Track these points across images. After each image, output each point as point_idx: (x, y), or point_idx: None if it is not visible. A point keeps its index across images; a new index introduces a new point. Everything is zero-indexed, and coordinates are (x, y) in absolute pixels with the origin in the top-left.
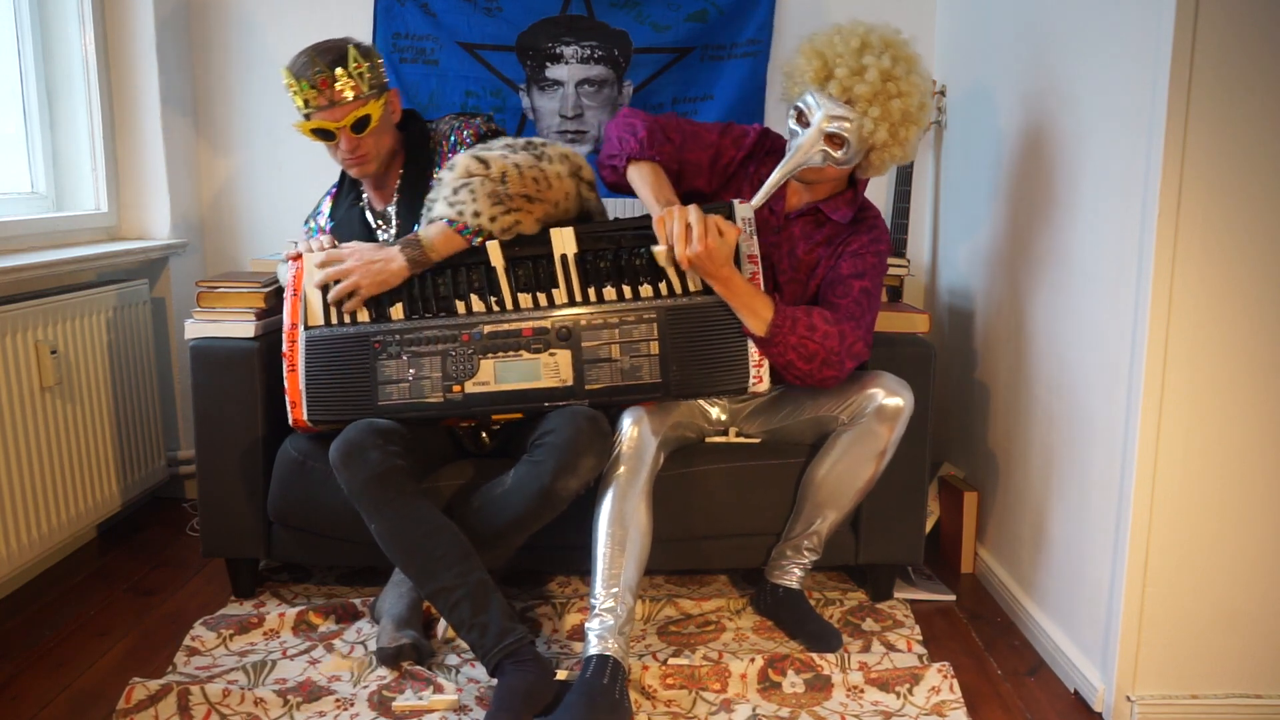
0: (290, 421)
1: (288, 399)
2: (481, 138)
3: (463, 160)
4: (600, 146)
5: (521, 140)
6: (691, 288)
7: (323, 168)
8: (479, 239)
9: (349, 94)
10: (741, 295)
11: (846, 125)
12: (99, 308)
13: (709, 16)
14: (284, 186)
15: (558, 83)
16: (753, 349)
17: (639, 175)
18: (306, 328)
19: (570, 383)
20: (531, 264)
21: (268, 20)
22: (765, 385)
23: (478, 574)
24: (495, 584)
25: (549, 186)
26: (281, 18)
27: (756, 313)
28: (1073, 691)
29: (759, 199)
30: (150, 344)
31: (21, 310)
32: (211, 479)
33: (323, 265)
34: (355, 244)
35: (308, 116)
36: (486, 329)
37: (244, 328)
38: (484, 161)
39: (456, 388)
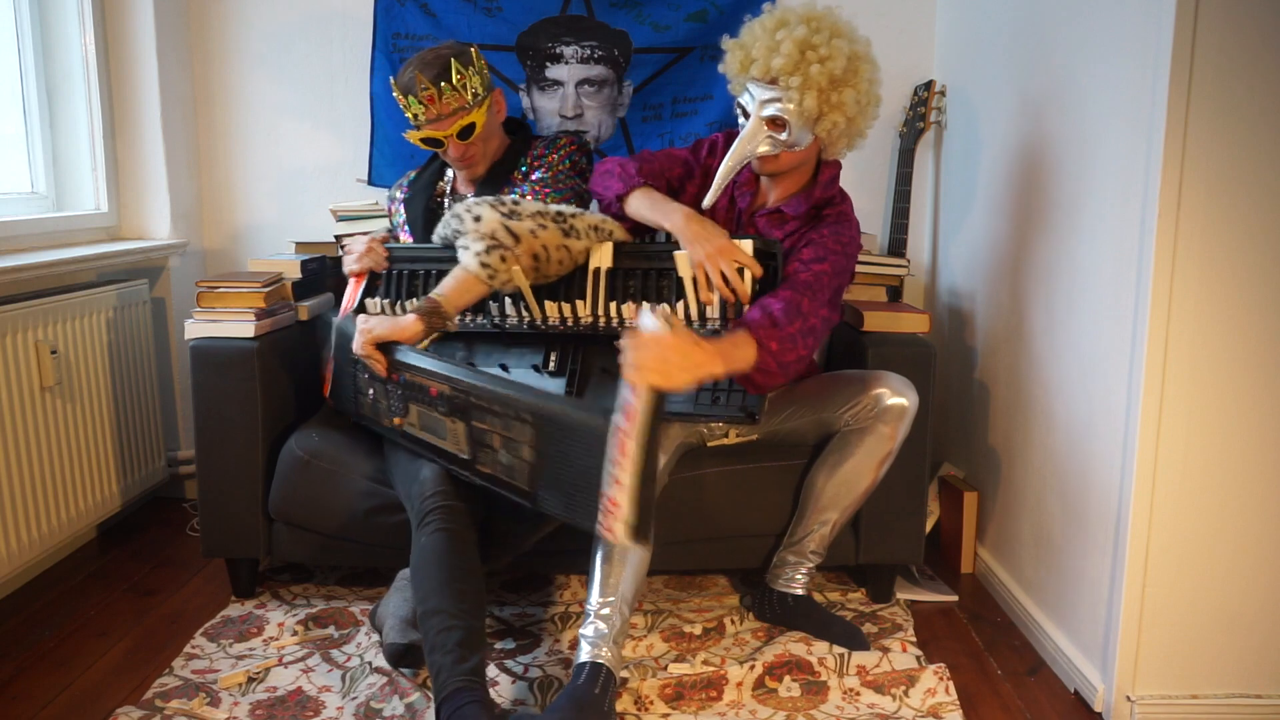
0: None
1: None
2: (574, 164)
3: (490, 221)
4: (600, 146)
5: (553, 210)
6: (709, 313)
7: (322, 169)
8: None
9: (453, 105)
10: (729, 366)
11: (778, 105)
12: (99, 308)
13: (709, 16)
14: (284, 186)
15: (558, 83)
16: (606, 487)
17: (636, 202)
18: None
19: (467, 456)
20: (565, 277)
21: (268, 20)
22: (620, 537)
23: (480, 624)
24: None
25: (573, 265)
26: (282, 18)
27: (743, 363)
28: (1073, 691)
29: (710, 197)
30: (150, 344)
31: (21, 310)
32: (211, 479)
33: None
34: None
35: (418, 127)
36: (407, 376)
37: (244, 328)
38: (514, 235)
39: (398, 420)
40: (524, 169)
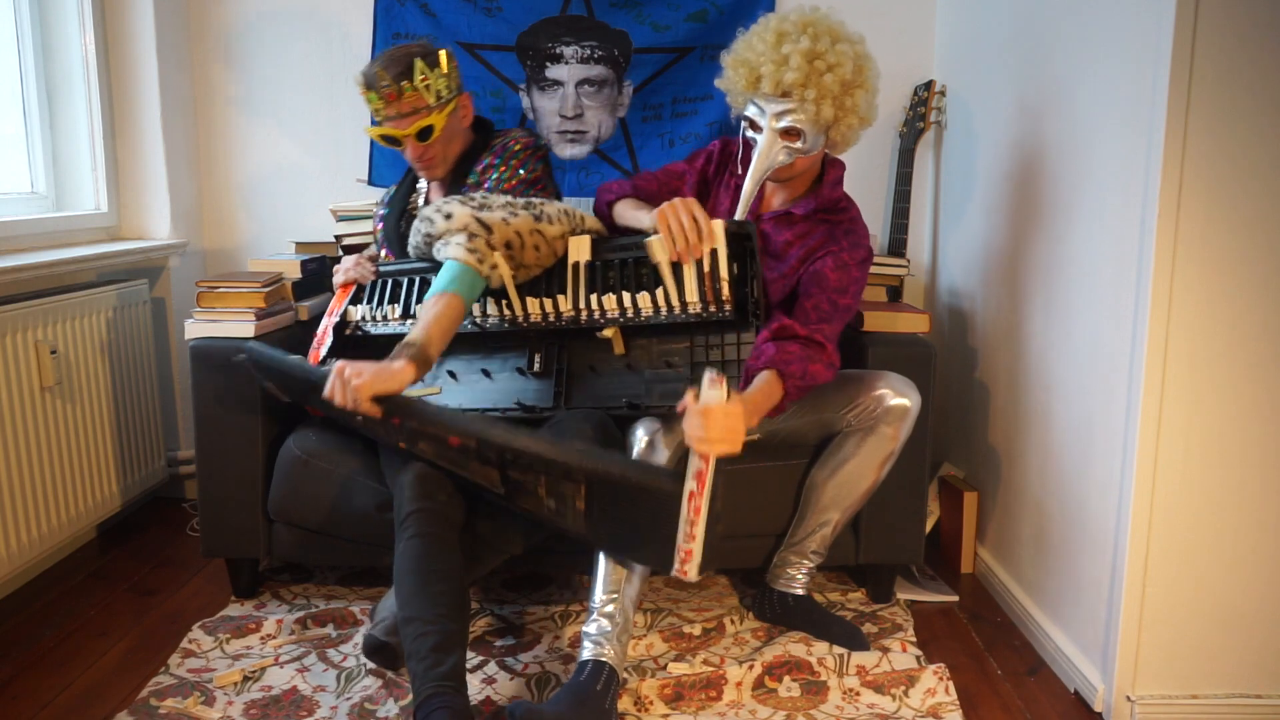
0: None
1: None
2: (529, 172)
3: (461, 216)
4: (600, 146)
5: (521, 200)
6: (688, 297)
7: (322, 169)
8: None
9: (414, 105)
10: (761, 415)
11: (792, 116)
12: (99, 308)
13: (709, 16)
14: (283, 186)
15: (558, 83)
16: (681, 541)
17: (622, 209)
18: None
19: (502, 493)
20: (545, 273)
21: (268, 20)
22: (692, 576)
23: (458, 624)
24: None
25: (548, 253)
26: (281, 18)
27: (771, 408)
28: (1073, 691)
29: (740, 211)
30: (150, 344)
31: (21, 310)
32: (211, 479)
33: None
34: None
35: (378, 124)
36: (414, 425)
37: (244, 328)
38: (486, 226)
39: (403, 444)
40: (475, 178)
